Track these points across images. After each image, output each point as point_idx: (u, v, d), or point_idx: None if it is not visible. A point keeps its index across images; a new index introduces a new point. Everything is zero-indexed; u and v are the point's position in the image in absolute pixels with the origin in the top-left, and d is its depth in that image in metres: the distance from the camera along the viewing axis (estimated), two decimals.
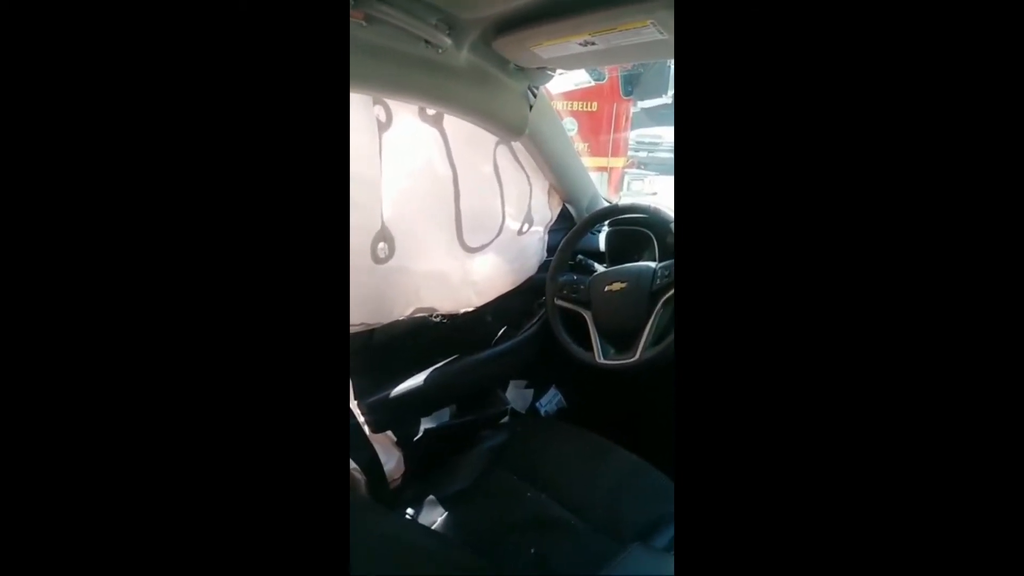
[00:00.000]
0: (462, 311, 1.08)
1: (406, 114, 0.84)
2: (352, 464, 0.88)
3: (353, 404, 0.89)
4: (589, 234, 1.16)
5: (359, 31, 0.63)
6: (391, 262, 0.88)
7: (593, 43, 0.70)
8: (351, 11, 0.59)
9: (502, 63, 0.84)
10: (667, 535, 0.73)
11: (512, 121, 0.95)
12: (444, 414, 1.11)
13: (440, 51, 0.72)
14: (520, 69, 0.87)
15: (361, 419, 0.90)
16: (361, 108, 0.76)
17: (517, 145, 1.05)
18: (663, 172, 4.40)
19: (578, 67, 1.00)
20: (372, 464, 0.91)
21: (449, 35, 0.69)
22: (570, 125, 3.37)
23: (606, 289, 0.99)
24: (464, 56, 0.77)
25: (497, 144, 1.02)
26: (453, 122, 0.90)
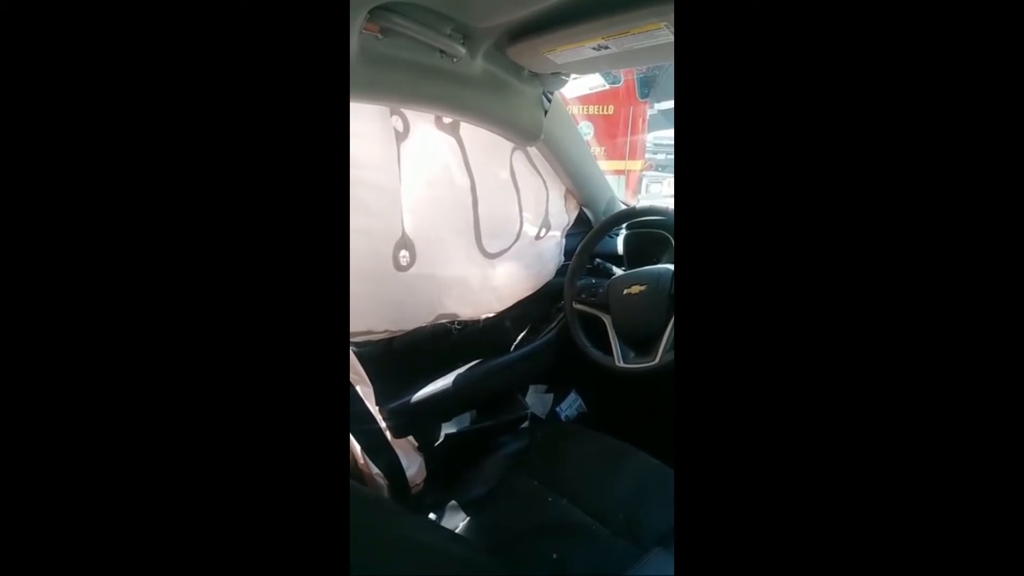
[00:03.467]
0: (483, 317, 1.09)
1: (423, 123, 0.85)
2: (374, 469, 0.89)
3: (375, 409, 0.90)
4: (607, 237, 1.16)
5: (375, 44, 0.64)
6: (413, 270, 0.89)
7: (607, 47, 0.70)
8: (367, 24, 0.61)
9: (516, 70, 0.84)
10: None
11: (527, 127, 0.95)
12: (464, 419, 1.12)
13: (455, 60, 0.73)
14: (534, 75, 0.88)
15: (383, 424, 0.91)
16: (379, 119, 0.78)
17: (533, 151, 1.06)
18: None
19: (592, 71, 1.00)
20: (394, 469, 0.92)
21: (463, 44, 0.70)
22: (586, 129, 3.36)
23: (625, 292, 0.99)
24: (479, 64, 0.78)
25: (513, 150, 1.03)
26: (469, 130, 0.92)
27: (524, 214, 1.08)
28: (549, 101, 0.97)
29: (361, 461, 0.89)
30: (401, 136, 0.82)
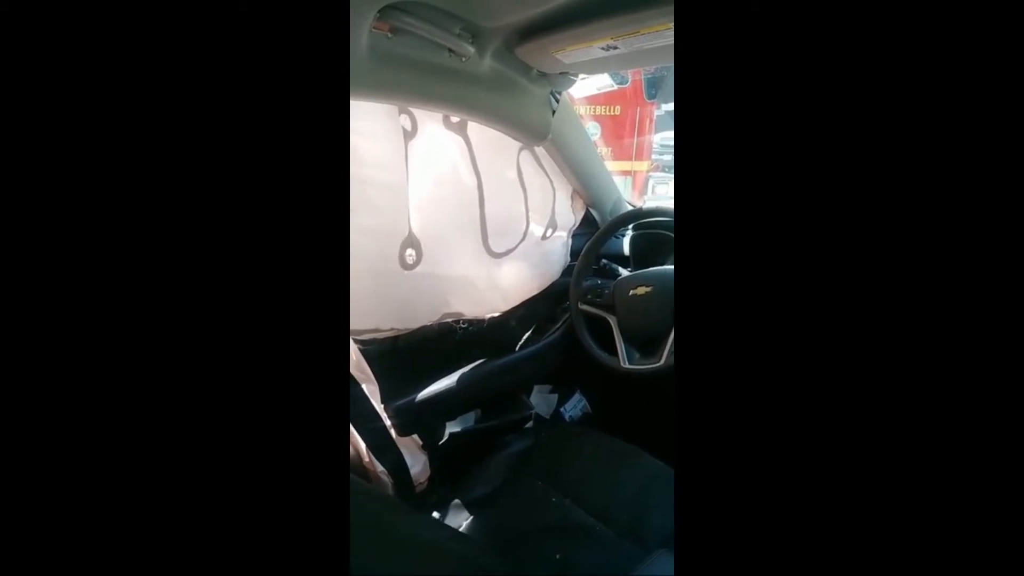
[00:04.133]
0: (488, 316, 1.09)
1: (431, 122, 0.85)
2: (379, 467, 0.89)
3: (380, 408, 0.90)
4: (613, 238, 1.15)
5: (384, 43, 0.64)
6: (419, 268, 0.89)
7: (615, 47, 0.70)
8: (377, 23, 0.61)
9: (525, 69, 0.84)
10: None
11: (535, 127, 0.95)
12: (469, 418, 1.12)
13: (464, 60, 0.73)
14: (542, 75, 0.88)
15: (388, 423, 0.91)
16: (387, 117, 0.78)
17: (540, 150, 1.06)
18: None
19: (600, 71, 0.99)
20: (398, 467, 0.92)
21: (472, 43, 0.70)
22: (593, 129, 3.36)
23: (631, 293, 0.98)
24: (487, 64, 0.78)
25: (520, 150, 1.03)
26: (477, 129, 0.92)
27: (530, 214, 1.08)
28: (557, 101, 0.97)
29: (366, 459, 0.89)
30: (409, 135, 0.82)
